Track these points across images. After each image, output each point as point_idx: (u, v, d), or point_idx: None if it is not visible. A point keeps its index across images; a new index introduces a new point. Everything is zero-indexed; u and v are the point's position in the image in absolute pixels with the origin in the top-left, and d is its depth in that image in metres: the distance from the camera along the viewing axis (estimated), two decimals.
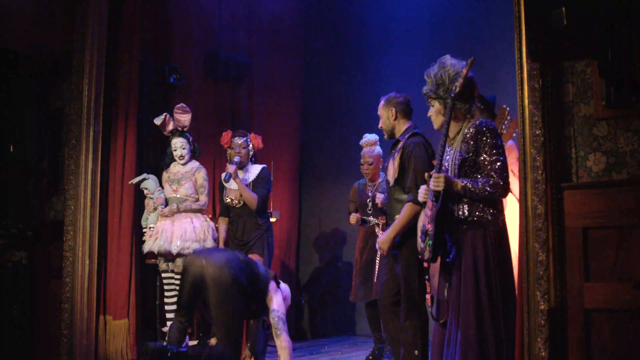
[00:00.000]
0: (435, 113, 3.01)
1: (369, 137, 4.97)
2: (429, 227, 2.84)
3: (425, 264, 3.25)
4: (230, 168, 4.69)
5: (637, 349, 2.85)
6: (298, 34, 7.15)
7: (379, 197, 4.77)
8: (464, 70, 2.84)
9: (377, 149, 4.93)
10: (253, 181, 4.80)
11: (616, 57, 2.85)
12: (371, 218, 4.88)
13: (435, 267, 2.97)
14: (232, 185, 4.80)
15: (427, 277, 3.17)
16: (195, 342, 5.45)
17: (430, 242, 2.82)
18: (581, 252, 3.03)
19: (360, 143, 4.99)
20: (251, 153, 4.88)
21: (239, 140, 4.83)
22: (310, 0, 7.20)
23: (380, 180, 4.94)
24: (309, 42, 7.23)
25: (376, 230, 4.84)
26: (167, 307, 4.87)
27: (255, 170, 4.87)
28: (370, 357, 4.84)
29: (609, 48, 2.85)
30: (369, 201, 4.92)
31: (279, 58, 6.88)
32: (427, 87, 2.98)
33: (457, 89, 2.84)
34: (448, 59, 2.95)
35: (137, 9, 5.16)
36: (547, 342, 3.04)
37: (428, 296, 3.24)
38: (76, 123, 4.73)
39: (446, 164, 2.95)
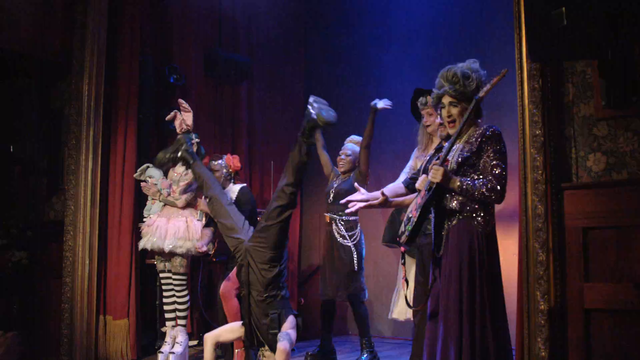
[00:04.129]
0: (457, 115, 2.89)
1: (355, 137, 5.00)
2: (414, 213, 2.86)
3: (402, 249, 3.27)
4: (202, 204, 4.68)
5: (637, 349, 2.86)
6: (298, 34, 7.15)
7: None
8: (495, 80, 2.82)
9: (358, 147, 4.90)
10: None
11: (616, 57, 2.85)
12: (329, 214, 4.80)
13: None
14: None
15: (402, 261, 3.18)
16: (195, 342, 5.46)
17: (410, 227, 2.86)
18: (581, 252, 3.03)
19: (346, 140, 5.00)
20: (226, 174, 4.80)
21: (212, 165, 4.79)
22: (310, 0, 7.20)
23: (349, 178, 4.85)
24: (309, 42, 7.23)
25: (333, 228, 4.76)
26: (165, 307, 4.86)
27: (234, 192, 4.77)
28: (311, 353, 4.79)
29: (609, 48, 2.85)
30: (332, 191, 4.83)
31: (279, 58, 6.88)
32: (461, 87, 2.86)
33: (483, 94, 2.82)
34: (476, 64, 2.92)
35: (137, 9, 5.16)
36: (547, 342, 3.04)
37: (403, 280, 3.24)
38: (76, 123, 4.73)
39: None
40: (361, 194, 3.21)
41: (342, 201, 3.80)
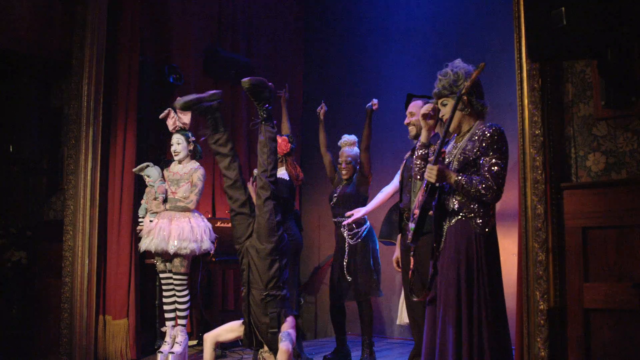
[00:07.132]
0: (447, 112, 2.92)
1: (348, 138, 4.94)
2: (416, 212, 2.90)
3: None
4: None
5: (636, 348, 2.86)
6: (298, 34, 7.15)
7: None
8: (474, 73, 2.84)
9: (356, 149, 4.88)
10: None
11: (616, 57, 2.85)
12: (338, 219, 4.78)
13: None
14: None
15: (412, 253, 3.22)
16: (195, 342, 5.46)
17: (413, 227, 2.91)
18: (581, 252, 3.03)
19: (339, 143, 4.95)
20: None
21: None
22: (310, 0, 7.21)
23: (352, 182, 4.85)
24: (309, 42, 7.23)
25: (341, 231, 4.73)
26: (165, 307, 4.85)
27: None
28: (328, 357, 4.79)
29: (609, 48, 2.85)
30: (335, 196, 4.83)
31: (279, 58, 6.88)
32: (442, 84, 2.92)
33: (465, 90, 2.83)
34: (459, 61, 2.97)
35: (136, 8, 5.16)
36: (546, 342, 3.04)
37: (412, 272, 3.27)
38: (76, 123, 4.73)
39: (449, 157, 2.95)
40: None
41: (347, 219, 4.60)
